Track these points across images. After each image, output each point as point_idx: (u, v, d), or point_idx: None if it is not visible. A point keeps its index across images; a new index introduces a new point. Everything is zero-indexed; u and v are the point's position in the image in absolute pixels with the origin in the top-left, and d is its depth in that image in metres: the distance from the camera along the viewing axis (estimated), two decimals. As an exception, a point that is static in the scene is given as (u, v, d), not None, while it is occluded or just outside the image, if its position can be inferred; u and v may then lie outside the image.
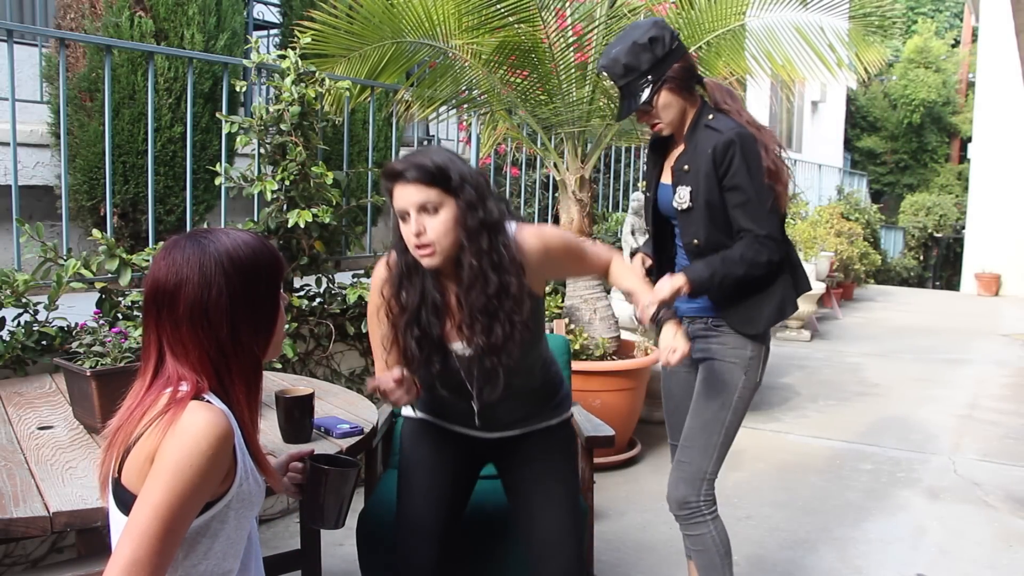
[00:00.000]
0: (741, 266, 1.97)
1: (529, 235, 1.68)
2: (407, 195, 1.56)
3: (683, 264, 2.12)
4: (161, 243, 1.41)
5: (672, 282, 1.96)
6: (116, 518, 1.19)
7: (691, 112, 2.06)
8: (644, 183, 2.33)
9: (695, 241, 2.04)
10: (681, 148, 2.08)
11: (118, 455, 1.18)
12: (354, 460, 1.50)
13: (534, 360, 1.81)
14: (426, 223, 1.57)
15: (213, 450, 1.12)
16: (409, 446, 1.93)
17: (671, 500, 2.11)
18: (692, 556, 2.16)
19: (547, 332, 2.06)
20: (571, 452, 1.97)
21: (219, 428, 1.13)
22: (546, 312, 2.95)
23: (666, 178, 2.12)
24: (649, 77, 1.97)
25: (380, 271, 1.75)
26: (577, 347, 3.75)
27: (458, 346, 1.70)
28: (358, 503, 2.01)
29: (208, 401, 1.17)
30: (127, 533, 1.10)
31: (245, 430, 1.23)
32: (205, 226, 3.81)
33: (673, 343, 1.86)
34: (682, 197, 2.03)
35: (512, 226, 1.68)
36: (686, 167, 2.03)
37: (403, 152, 1.70)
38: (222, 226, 3.43)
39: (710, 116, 2.03)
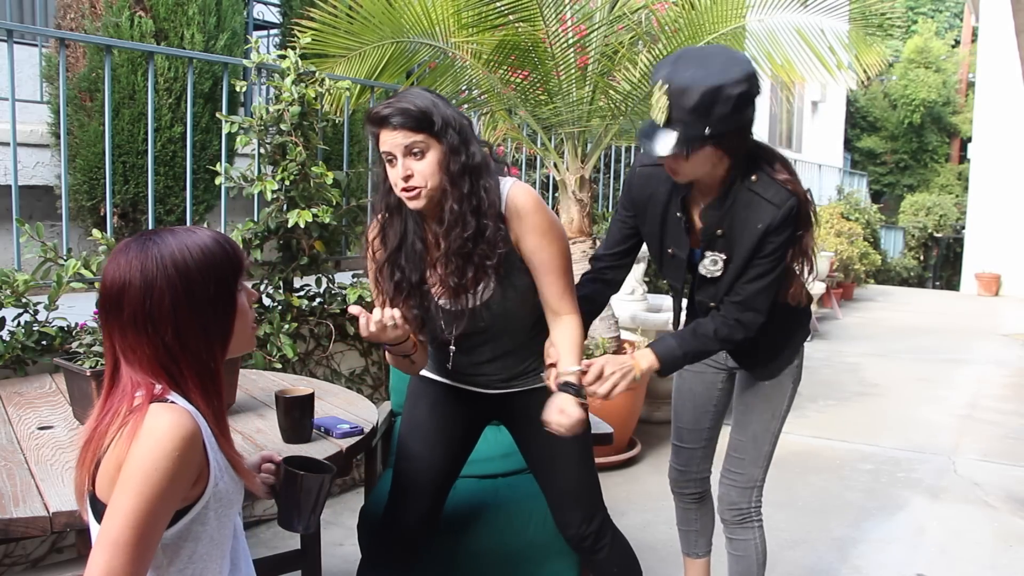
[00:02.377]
0: (715, 343, 1.85)
1: (523, 192, 1.69)
2: (394, 139, 1.59)
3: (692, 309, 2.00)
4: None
5: (646, 358, 1.81)
6: (96, 531, 1.16)
7: (721, 166, 1.75)
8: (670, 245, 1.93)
9: (711, 304, 1.87)
10: (704, 200, 1.83)
11: (90, 468, 1.15)
12: (328, 465, 1.45)
13: (520, 321, 1.80)
14: (413, 166, 1.60)
15: (179, 451, 1.09)
16: (410, 404, 1.97)
17: (721, 503, 2.12)
18: (730, 563, 2.15)
19: None
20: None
21: (183, 429, 1.10)
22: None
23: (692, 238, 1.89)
24: (708, 130, 1.61)
25: (373, 223, 1.79)
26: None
27: (436, 291, 1.73)
28: (358, 502, 2.01)
29: (172, 402, 1.14)
30: (99, 544, 1.07)
31: (213, 432, 1.19)
32: (203, 224, 3.77)
33: (564, 406, 1.67)
34: (716, 266, 1.82)
35: (507, 181, 1.70)
36: (719, 231, 1.79)
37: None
38: (222, 226, 3.41)
39: (753, 177, 1.75)
